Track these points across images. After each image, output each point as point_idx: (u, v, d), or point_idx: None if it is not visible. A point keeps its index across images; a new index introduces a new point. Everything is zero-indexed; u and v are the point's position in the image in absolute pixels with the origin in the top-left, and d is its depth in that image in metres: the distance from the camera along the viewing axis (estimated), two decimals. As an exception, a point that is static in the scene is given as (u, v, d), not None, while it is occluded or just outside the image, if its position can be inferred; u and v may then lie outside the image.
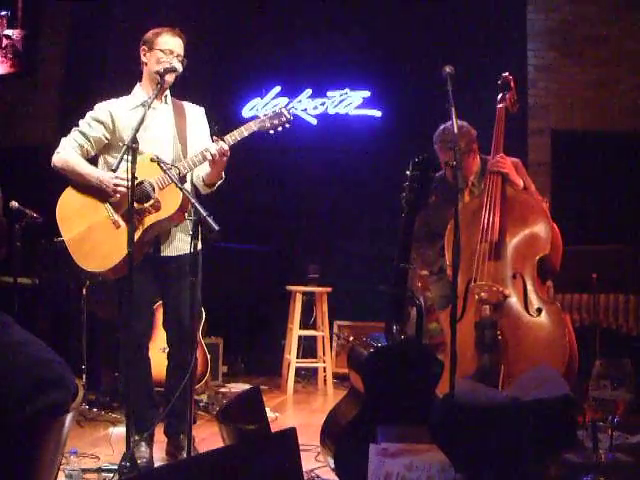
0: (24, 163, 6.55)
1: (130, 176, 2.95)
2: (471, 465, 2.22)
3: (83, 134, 3.41)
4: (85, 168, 3.35)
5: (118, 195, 3.27)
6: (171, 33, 3.42)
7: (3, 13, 7.06)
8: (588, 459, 2.06)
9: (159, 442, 3.48)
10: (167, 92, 3.50)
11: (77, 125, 3.45)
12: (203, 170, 3.42)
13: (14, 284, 4.42)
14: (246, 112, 6.87)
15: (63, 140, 3.43)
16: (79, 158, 3.38)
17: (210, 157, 3.26)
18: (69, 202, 3.37)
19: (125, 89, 3.57)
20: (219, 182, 3.47)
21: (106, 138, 3.42)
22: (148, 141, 3.31)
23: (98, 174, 3.33)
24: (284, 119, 3.39)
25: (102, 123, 3.41)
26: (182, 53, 3.43)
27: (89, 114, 3.45)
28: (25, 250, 4.46)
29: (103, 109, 3.44)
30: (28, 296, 4.79)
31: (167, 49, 3.38)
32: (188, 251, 3.37)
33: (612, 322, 4.44)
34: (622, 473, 2.00)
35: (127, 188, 3.06)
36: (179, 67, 3.35)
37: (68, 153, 3.39)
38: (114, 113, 3.40)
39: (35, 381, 1.44)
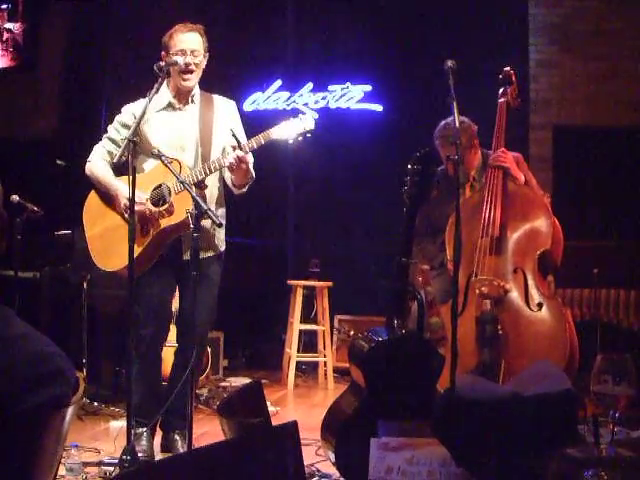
0: (24, 156, 6.55)
1: (131, 169, 2.96)
2: (472, 459, 2.22)
3: (112, 140, 3.48)
4: (108, 180, 3.40)
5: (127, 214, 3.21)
6: (184, 29, 3.38)
7: (4, 6, 7.05)
8: (589, 454, 2.06)
9: (158, 436, 3.49)
10: (194, 91, 3.46)
11: (106, 131, 3.51)
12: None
13: (15, 278, 4.42)
14: (247, 106, 6.86)
15: (94, 147, 3.51)
16: (105, 168, 3.44)
17: (227, 165, 3.27)
18: (94, 203, 3.46)
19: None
20: (249, 183, 3.47)
21: None
22: (171, 145, 3.36)
23: (117, 187, 3.36)
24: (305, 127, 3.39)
25: (128, 127, 3.39)
26: (200, 48, 3.38)
27: (116, 118, 3.51)
28: (26, 244, 4.46)
29: (128, 112, 3.47)
30: (29, 290, 4.78)
31: (180, 49, 3.33)
32: (210, 254, 3.40)
33: (613, 317, 4.44)
34: (623, 468, 2.00)
35: (137, 209, 3.08)
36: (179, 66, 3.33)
37: (95, 163, 3.47)
38: (138, 115, 3.38)
39: (36, 374, 1.44)
